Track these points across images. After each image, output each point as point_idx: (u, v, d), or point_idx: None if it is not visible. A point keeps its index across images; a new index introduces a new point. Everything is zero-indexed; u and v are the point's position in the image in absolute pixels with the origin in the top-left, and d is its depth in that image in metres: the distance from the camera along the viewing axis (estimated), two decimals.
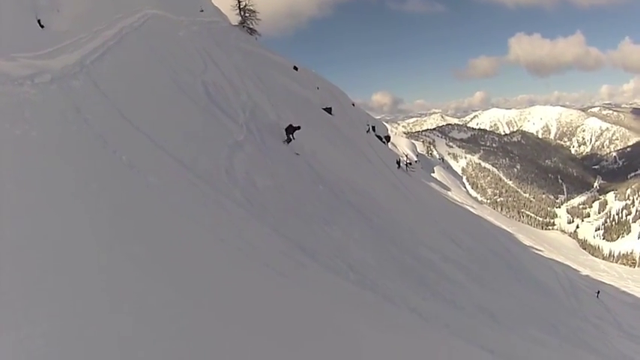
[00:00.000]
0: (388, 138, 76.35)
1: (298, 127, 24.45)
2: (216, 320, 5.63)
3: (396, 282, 15.08)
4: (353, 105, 67.10)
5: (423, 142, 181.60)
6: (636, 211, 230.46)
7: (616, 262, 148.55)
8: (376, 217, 22.31)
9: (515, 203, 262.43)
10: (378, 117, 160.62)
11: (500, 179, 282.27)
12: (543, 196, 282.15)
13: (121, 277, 5.53)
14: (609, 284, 67.14)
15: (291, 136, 24.17)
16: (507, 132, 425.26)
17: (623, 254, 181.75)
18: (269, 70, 38.01)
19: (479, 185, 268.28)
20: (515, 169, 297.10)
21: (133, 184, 9.72)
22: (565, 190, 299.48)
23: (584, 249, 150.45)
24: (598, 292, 48.12)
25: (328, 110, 44.18)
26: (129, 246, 6.54)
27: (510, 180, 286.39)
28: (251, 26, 50.16)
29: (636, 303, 61.99)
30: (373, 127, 65.18)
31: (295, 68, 49.22)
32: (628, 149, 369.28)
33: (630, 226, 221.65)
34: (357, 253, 15.44)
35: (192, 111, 19.06)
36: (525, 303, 25.99)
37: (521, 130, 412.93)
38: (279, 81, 37.56)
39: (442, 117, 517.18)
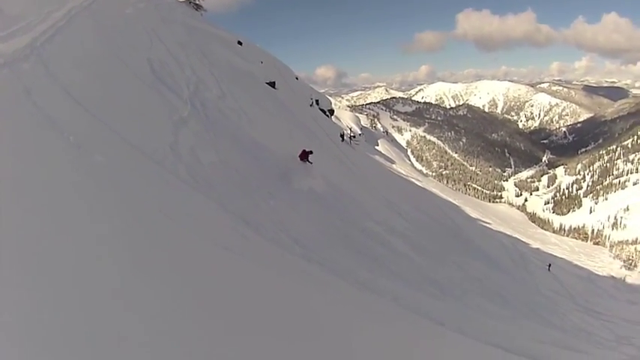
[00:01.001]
0: (332, 111, 76.99)
1: (311, 152, 25.00)
2: (159, 296, 5.74)
3: (342, 255, 15.46)
4: (297, 79, 67.15)
5: (367, 115, 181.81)
6: (587, 185, 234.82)
7: (567, 236, 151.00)
8: (321, 191, 22.64)
9: (461, 176, 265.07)
10: (322, 90, 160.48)
11: (446, 152, 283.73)
12: (490, 169, 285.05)
13: (68, 257, 5.56)
14: (561, 257, 68.88)
15: (307, 160, 24.70)
16: (453, 106, 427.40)
17: (575, 228, 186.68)
18: (213, 46, 37.91)
19: (424, 158, 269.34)
20: (461, 143, 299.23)
21: (80, 164, 9.69)
22: (512, 163, 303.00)
23: (534, 222, 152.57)
24: (549, 265, 49.20)
25: (272, 84, 44.30)
26: (76, 227, 6.57)
27: (456, 153, 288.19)
28: (197, 2, 50.45)
29: (590, 277, 63.16)
30: (317, 101, 65.32)
31: (239, 43, 49.17)
32: (579, 125, 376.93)
33: (581, 201, 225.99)
34: (302, 226, 15.79)
35: (137, 88, 19.08)
36: (474, 275, 26.52)
37: (468, 104, 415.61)
38: (224, 56, 37.47)
39: (387, 90, 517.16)
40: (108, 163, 10.46)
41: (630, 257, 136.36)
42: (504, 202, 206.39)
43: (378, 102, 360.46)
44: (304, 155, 24.73)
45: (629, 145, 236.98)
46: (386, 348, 7.93)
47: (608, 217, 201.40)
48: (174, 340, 4.71)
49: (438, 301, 16.82)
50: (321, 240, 15.94)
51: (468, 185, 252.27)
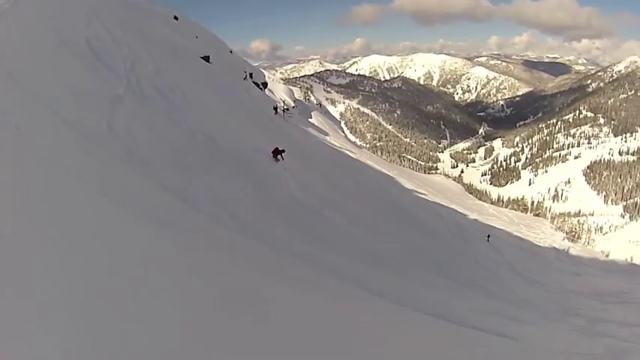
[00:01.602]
0: (265, 84, 76.51)
1: (283, 150, 26.60)
2: (97, 274, 5.82)
3: (277, 228, 15.78)
4: (231, 52, 67.30)
5: (300, 88, 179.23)
6: (526, 158, 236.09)
7: (506, 208, 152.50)
8: (255, 165, 22.99)
9: (395, 148, 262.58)
10: (256, 64, 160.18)
11: (380, 124, 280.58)
12: (425, 141, 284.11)
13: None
14: (500, 228, 69.83)
15: (279, 156, 26.42)
16: (388, 78, 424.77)
17: (513, 200, 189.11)
18: (150, 22, 37.75)
19: (358, 130, 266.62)
20: (396, 115, 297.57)
21: (20, 147, 9.82)
22: (448, 135, 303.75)
23: (470, 193, 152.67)
24: (488, 236, 50.14)
25: (206, 59, 44.20)
26: (11, 209, 6.70)
27: (390, 125, 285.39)
28: None
29: (532, 248, 64.01)
30: (251, 74, 64.95)
31: (176, 18, 49.37)
32: (517, 98, 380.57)
33: (520, 173, 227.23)
34: (237, 200, 16.02)
35: (76, 68, 19.05)
36: (412, 246, 26.92)
37: (403, 77, 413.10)
38: (160, 32, 37.33)
39: (321, 63, 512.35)
40: (47, 145, 10.52)
41: (573, 229, 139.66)
42: (440, 174, 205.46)
43: (312, 75, 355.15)
44: (276, 153, 26.29)
45: (570, 120, 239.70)
46: (324, 321, 8.17)
47: (549, 190, 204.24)
48: (100, 319, 4.85)
49: (376, 273, 17.12)
50: (257, 213, 16.17)
51: (403, 157, 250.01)
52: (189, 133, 20.64)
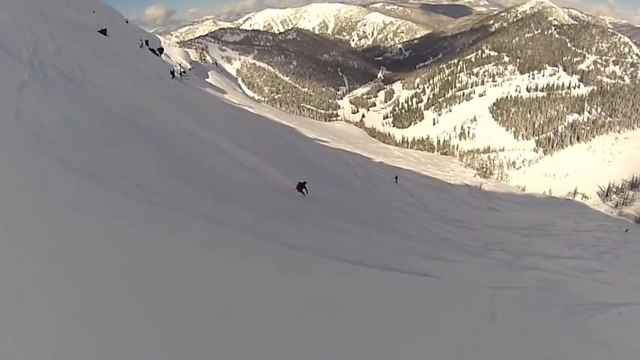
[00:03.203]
0: (161, 50, 76.54)
1: (305, 182, 26.20)
2: (15, 262, 5.94)
3: (186, 193, 15.86)
4: (127, 22, 65.94)
5: (195, 49, 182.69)
6: (428, 98, 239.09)
7: (412, 148, 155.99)
8: (157, 131, 22.71)
9: (294, 99, 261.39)
10: (152, 30, 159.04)
11: (277, 77, 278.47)
12: (323, 89, 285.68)
13: None
14: (408, 169, 72.31)
15: (304, 190, 26.06)
16: (282, 31, 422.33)
17: (419, 140, 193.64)
18: (49, 2, 36.74)
19: (255, 85, 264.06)
20: (292, 66, 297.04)
21: None
22: (346, 82, 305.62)
23: (374, 137, 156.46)
24: (396, 178, 51.15)
25: (103, 32, 43.56)
26: None
27: (287, 77, 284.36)
28: None
29: (442, 187, 65.95)
30: (146, 42, 64.83)
31: None
32: (415, 41, 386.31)
33: (423, 113, 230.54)
34: (143, 171, 15.93)
35: None
36: (321, 195, 27.31)
37: (297, 28, 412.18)
38: (59, 11, 36.19)
39: (215, 22, 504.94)
40: None
41: (484, 165, 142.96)
42: (341, 120, 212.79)
43: (207, 35, 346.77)
44: (300, 187, 26.09)
45: (473, 59, 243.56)
46: (244, 280, 8.61)
47: (455, 128, 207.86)
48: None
49: (289, 227, 17.38)
50: (164, 182, 16.08)
51: (302, 107, 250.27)
52: (91, 110, 20.18)
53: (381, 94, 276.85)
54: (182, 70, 63.83)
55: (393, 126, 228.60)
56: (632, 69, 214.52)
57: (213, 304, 6.98)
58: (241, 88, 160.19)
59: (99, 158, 15.04)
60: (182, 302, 6.58)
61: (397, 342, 8.09)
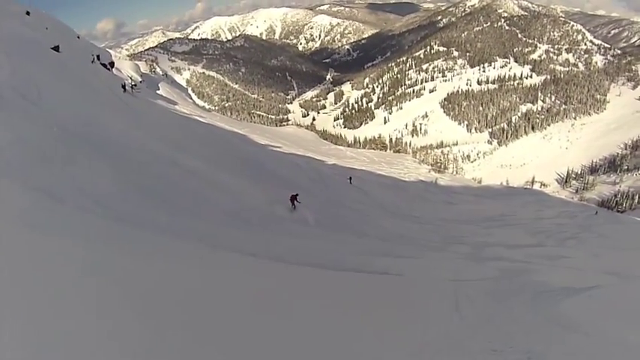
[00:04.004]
0: (112, 64, 75.53)
1: (297, 194, 27.28)
2: None
3: (141, 207, 15.70)
4: (78, 38, 65.49)
5: (146, 61, 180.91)
6: (378, 97, 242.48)
7: (364, 148, 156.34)
8: (112, 146, 22.13)
9: (244, 105, 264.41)
10: (103, 45, 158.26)
11: (226, 84, 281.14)
12: (273, 94, 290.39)
13: None
14: (361, 169, 72.51)
15: (295, 201, 27.10)
16: (230, 38, 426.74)
17: (370, 139, 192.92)
18: (5, 23, 36.36)
19: (205, 94, 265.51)
20: (241, 73, 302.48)
21: None
22: (295, 85, 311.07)
23: (325, 139, 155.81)
24: (350, 178, 51.05)
25: (56, 49, 43.18)
26: None
27: (236, 84, 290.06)
28: None
29: (397, 184, 66.34)
30: (98, 56, 63.71)
31: (28, 13, 47.75)
32: (363, 41, 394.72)
33: (374, 113, 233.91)
34: (99, 186, 15.58)
35: None
36: (275, 200, 27.23)
37: (245, 35, 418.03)
38: (14, 31, 35.96)
39: (164, 33, 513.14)
40: None
41: (438, 160, 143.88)
42: (292, 124, 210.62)
43: (156, 46, 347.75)
44: (293, 199, 27.10)
45: (422, 56, 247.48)
46: (203, 290, 8.52)
47: (406, 125, 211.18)
48: None
49: (245, 234, 17.39)
50: (120, 196, 15.69)
51: (253, 113, 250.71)
52: (46, 128, 20.01)
53: (331, 96, 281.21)
54: (133, 83, 63.65)
55: (344, 127, 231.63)
56: (587, 55, 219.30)
57: (165, 313, 6.83)
58: (192, 98, 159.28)
59: (56, 176, 14.76)
60: (135, 316, 6.46)
61: (360, 343, 8.02)
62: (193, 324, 6.69)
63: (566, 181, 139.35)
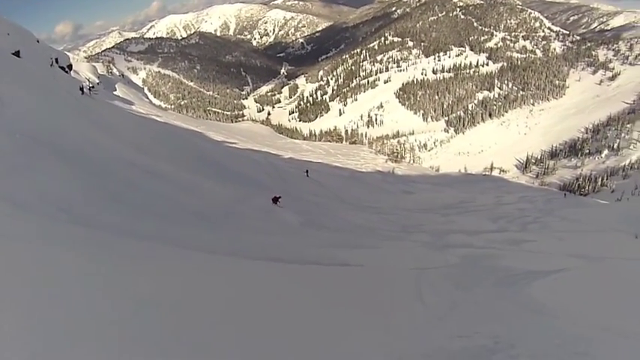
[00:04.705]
0: (70, 67, 75.25)
1: (280, 197, 28.65)
2: None
3: (106, 210, 15.32)
4: (38, 42, 64.89)
5: (102, 62, 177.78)
6: (332, 90, 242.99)
7: (320, 141, 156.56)
8: (73, 150, 21.88)
9: (200, 103, 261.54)
10: (61, 47, 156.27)
11: (182, 83, 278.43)
12: (228, 90, 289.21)
13: None
14: (318, 162, 72.93)
15: (278, 203, 28.16)
16: (185, 36, 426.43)
17: (326, 132, 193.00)
18: None
19: (161, 93, 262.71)
20: (196, 70, 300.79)
21: None
22: (250, 81, 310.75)
23: (281, 133, 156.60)
24: (307, 172, 51.16)
25: (17, 54, 43.04)
26: None
27: (192, 82, 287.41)
28: None
29: (354, 175, 66.45)
30: (56, 60, 63.42)
31: None
32: (317, 34, 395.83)
33: (329, 105, 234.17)
34: (62, 192, 15.37)
35: None
36: (233, 197, 27.13)
37: (200, 32, 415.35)
38: None
39: (120, 33, 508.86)
40: None
41: (395, 150, 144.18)
42: (247, 120, 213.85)
43: (113, 47, 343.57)
44: (275, 200, 28.26)
45: (376, 47, 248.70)
46: (166, 291, 8.29)
47: (362, 116, 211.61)
48: None
49: (206, 232, 17.16)
50: (83, 200, 15.30)
51: (208, 110, 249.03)
52: (8, 136, 19.84)
53: (285, 90, 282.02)
54: (90, 85, 62.94)
55: (300, 120, 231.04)
56: (544, 42, 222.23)
57: (133, 316, 6.66)
58: (148, 98, 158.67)
59: (19, 183, 14.63)
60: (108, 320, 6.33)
61: (322, 336, 7.98)
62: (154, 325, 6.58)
63: (525, 167, 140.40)
